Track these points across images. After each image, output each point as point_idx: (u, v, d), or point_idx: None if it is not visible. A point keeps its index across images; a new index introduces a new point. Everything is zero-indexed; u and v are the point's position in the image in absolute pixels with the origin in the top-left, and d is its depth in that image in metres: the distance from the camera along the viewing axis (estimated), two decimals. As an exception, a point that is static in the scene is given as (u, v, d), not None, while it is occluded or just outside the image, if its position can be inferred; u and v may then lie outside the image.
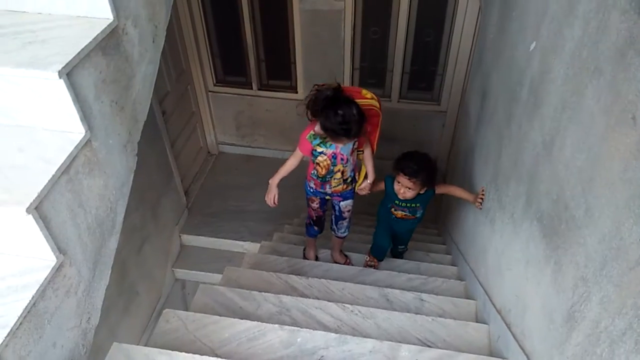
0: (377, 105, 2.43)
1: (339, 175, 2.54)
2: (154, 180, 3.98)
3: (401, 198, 2.60)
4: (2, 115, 1.37)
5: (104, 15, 1.42)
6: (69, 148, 1.32)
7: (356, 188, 2.73)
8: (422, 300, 2.39)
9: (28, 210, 1.18)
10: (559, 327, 1.32)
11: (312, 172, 2.59)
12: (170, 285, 4.42)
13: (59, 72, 1.24)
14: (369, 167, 2.63)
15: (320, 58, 4.53)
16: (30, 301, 1.21)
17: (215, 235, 4.54)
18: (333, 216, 2.94)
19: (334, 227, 2.97)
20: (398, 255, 3.36)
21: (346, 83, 4.72)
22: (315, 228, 3.00)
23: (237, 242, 4.43)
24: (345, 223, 2.93)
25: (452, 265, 3.12)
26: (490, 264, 2.20)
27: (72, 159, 1.32)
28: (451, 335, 1.98)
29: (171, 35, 4.21)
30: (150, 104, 1.76)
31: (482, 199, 2.42)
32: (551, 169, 1.50)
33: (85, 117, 1.37)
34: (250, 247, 4.27)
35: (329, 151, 2.40)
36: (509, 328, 1.79)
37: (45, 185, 1.22)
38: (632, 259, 0.96)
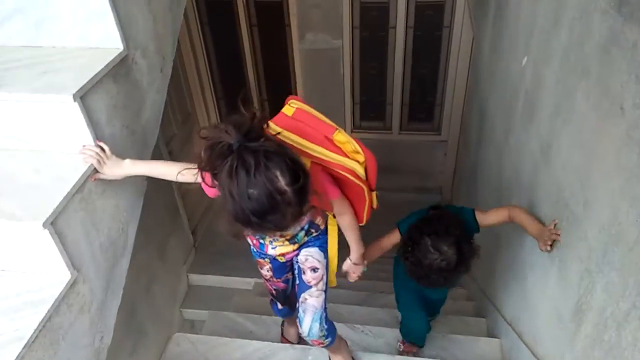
0: (358, 164, 1.39)
1: (277, 237, 1.59)
2: (160, 220, 4.02)
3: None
4: (18, 140, 1.44)
5: (115, 45, 1.50)
6: (83, 168, 1.38)
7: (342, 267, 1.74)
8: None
9: (44, 225, 1.22)
10: (567, 324, 1.33)
11: None
12: (179, 325, 4.39)
13: (74, 95, 1.31)
14: (350, 240, 1.63)
15: (321, 94, 4.65)
16: (45, 315, 1.23)
17: (223, 274, 4.53)
18: (294, 287, 1.76)
19: (298, 313, 1.67)
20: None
21: (347, 118, 4.83)
22: (280, 307, 1.96)
23: (245, 279, 4.42)
24: (313, 301, 1.63)
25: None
26: (497, 277, 2.21)
27: (86, 178, 1.38)
28: (463, 350, 1.97)
29: (176, 80, 4.35)
30: (157, 145, 1.80)
31: (555, 235, 1.46)
32: (550, 173, 1.54)
33: (98, 139, 1.43)
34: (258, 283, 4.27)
35: None
36: (520, 337, 1.78)
37: (60, 202, 1.27)
38: (631, 239, 0.99)
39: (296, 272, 1.68)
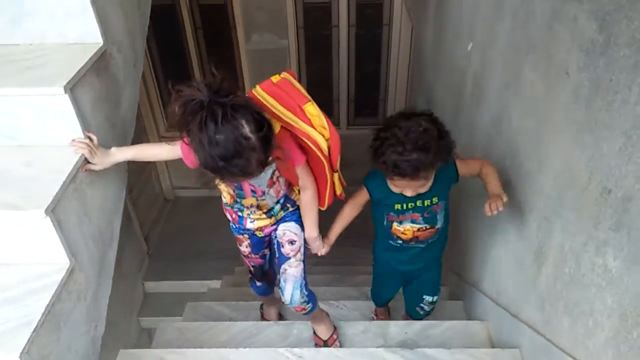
0: (323, 138, 1.44)
1: (253, 209, 1.64)
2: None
3: (409, 195, 1.52)
4: (6, 137, 1.45)
5: (95, 40, 1.55)
6: (74, 159, 1.42)
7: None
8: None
9: (46, 212, 1.26)
10: (528, 268, 1.52)
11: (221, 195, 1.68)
12: (137, 335, 4.33)
13: (64, 87, 1.36)
14: (305, 218, 1.68)
15: (270, 94, 4.74)
16: (50, 301, 1.27)
17: (179, 279, 4.48)
18: (274, 261, 1.84)
19: (279, 283, 1.76)
20: (419, 316, 2.05)
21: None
22: (259, 284, 1.99)
23: (202, 281, 4.35)
24: (292, 270, 1.71)
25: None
26: (463, 253, 2.39)
27: (78, 169, 1.42)
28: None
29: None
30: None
31: (501, 205, 1.48)
32: (503, 141, 1.74)
33: (87, 130, 1.47)
34: (216, 285, 4.25)
35: None
36: (485, 294, 1.97)
37: (57, 191, 1.31)
38: (584, 181, 1.17)
39: (275, 246, 1.76)
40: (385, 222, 1.68)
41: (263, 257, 1.88)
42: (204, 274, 4.39)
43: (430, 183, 1.51)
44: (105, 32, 1.57)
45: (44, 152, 1.45)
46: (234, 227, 1.78)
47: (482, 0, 1.97)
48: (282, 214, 1.71)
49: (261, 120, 1.23)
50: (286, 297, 1.72)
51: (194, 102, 1.16)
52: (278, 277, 1.76)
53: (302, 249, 1.74)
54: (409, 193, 1.51)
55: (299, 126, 1.42)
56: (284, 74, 1.51)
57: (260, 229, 1.73)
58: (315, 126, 1.44)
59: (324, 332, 1.91)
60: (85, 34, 1.54)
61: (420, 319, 2.05)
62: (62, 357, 1.35)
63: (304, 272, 1.75)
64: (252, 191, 1.58)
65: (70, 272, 1.38)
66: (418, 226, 1.64)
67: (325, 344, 1.90)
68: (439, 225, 1.66)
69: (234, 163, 1.20)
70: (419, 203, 1.59)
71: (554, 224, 1.35)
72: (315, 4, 4.49)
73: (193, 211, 5.39)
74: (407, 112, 1.48)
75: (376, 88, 4.88)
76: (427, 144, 1.37)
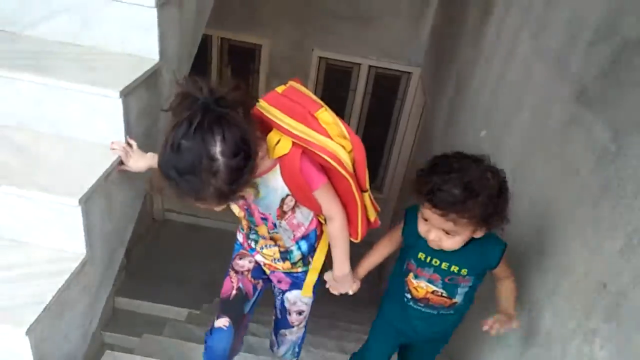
0: (343, 149, 1.22)
1: (270, 243, 1.45)
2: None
3: (434, 247, 1.36)
4: (51, 126, 1.53)
5: (151, 56, 1.67)
6: (112, 157, 1.50)
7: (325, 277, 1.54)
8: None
9: (80, 201, 1.33)
10: (512, 346, 1.60)
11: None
12: (97, 349, 4.21)
13: (120, 91, 1.45)
14: (335, 253, 1.44)
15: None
16: (62, 286, 1.31)
17: (152, 301, 4.42)
18: (274, 316, 1.70)
19: (274, 338, 1.72)
20: None
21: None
22: (223, 325, 1.49)
23: (176, 308, 4.26)
24: (292, 337, 1.67)
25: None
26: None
27: (114, 167, 1.49)
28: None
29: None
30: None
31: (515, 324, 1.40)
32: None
33: (129, 136, 1.56)
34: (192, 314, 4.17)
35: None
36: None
37: (93, 184, 1.38)
38: (580, 272, 1.28)
39: (279, 305, 1.61)
40: (404, 268, 1.50)
41: (255, 287, 1.56)
42: (179, 301, 4.31)
43: (458, 241, 1.30)
44: (161, 51, 1.69)
45: (85, 146, 1.52)
46: (240, 244, 1.57)
47: (501, 93, 2.14)
48: (300, 268, 1.47)
49: (243, 147, 1.03)
50: (279, 353, 1.72)
51: (190, 98, 1.01)
52: (272, 337, 1.72)
53: (307, 312, 1.63)
54: (431, 236, 1.31)
55: (312, 139, 1.18)
56: (291, 82, 1.30)
57: (269, 267, 1.52)
58: (332, 136, 1.20)
59: None
60: (144, 48, 1.66)
61: None
62: (57, 344, 1.38)
63: (304, 334, 1.69)
64: (263, 219, 1.36)
65: (84, 264, 1.42)
66: (434, 288, 1.45)
67: None
68: (457, 299, 1.46)
69: (187, 179, 1.02)
70: (444, 266, 1.40)
71: (545, 308, 1.44)
72: (338, 67, 4.73)
73: (180, 237, 5.39)
74: (478, 155, 1.29)
75: (380, 155, 5.06)
76: (478, 189, 1.21)
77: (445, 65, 3.42)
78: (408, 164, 4.75)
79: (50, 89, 1.47)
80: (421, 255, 1.42)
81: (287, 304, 1.60)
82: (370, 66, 4.66)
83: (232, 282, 1.55)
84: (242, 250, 1.58)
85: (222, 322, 1.49)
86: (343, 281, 1.49)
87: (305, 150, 1.20)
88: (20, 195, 1.33)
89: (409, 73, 4.62)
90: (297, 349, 1.73)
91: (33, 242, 1.40)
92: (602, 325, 1.15)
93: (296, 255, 1.46)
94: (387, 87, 4.79)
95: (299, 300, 1.58)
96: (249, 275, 1.56)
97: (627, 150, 1.19)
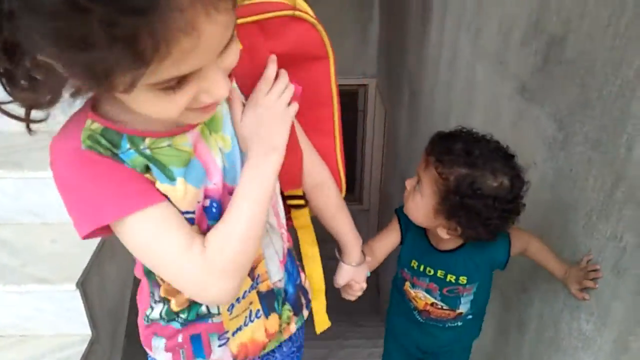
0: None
1: (245, 290, 0.87)
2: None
3: (412, 219, 1.22)
4: (31, 215, 1.58)
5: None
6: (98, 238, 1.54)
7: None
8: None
9: (77, 285, 1.37)
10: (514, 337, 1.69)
11: None
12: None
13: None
14: (345, 227, 1.08)
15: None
16: (75, 371, 1.36)
17: None
18: None
19: None
20: None
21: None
22: None
23: None
24: None
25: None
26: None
27: (102, 245, 1.54)
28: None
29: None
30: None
31: (593, 273, 1.13)
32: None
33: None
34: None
35: (178, 186, 0.67)
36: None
37: (86, 265, 1.43)
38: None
39: None
40: (400, 276, 1.38)
41: None
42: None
43: (419, 205, 1.18)
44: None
45: (67, 229, 1.56)
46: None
47: (453, 96, 2.26)
48: (294, 324, 0.99)
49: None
50: None
51: None
52: None
53: None
54: (409, 182, 1.23)
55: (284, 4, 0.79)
56: None
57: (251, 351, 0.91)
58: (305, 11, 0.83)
59: None
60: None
61: None
62: None
63: None
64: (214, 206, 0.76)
65: (91, 344, 1.46)
66: (433, 300, 1.31)
67: None
68: (461, 310, 1.32)
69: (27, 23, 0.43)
70: (440, 274, 1.27)
71: (532, 295, 1.53)
72: (296, 91, 4.83)
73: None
74: (511, 152, 1.20)
75: (353, 168, 5.16)
76: (479, 184, 1.08)
77: (397, 73, 3.55)
78: (381, 174, 4.86)
79: (21, 181, 1.51)
80: (413, 263, 1.32)
81: None
82: (327, 85, 4.76)
83: None
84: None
85: None
86: (363, 269, 1.11)
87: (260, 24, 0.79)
88: (20, 292, 1.37)
89: (365, 85, 4.75)
90: None
91: (39, 334, 1.44)
92: (582, 301, 1.24)
93: (290, 293, 0.95)
94: (347, 103, 4.91)
95: None
96: None
97: (572, 137, 1.29)
